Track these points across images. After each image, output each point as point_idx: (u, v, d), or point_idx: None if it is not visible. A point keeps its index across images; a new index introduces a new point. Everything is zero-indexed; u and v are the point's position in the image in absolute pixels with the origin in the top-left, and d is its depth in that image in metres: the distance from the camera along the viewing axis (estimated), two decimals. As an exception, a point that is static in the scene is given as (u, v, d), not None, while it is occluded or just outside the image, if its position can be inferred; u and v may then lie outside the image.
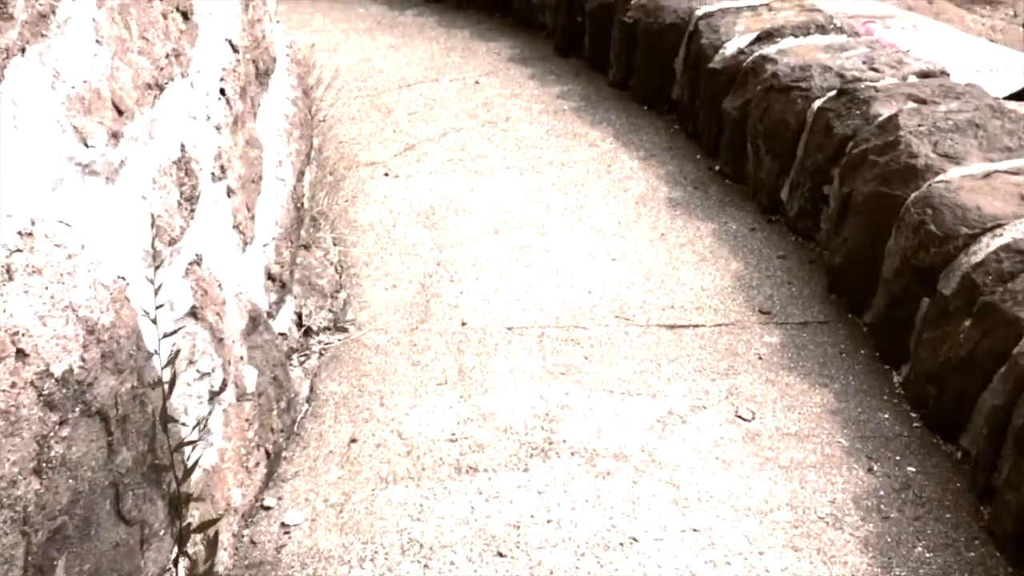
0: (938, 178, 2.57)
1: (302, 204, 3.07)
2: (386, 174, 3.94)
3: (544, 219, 3.55)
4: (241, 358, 2.25)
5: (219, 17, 2.25)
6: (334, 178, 3.89)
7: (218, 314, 2.05)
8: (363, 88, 4.80)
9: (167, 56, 1.83)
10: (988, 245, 2.36)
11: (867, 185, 2.76)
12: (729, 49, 3.74)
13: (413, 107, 4.56)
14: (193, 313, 1.94)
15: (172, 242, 1.81)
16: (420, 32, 5.50)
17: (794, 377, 2.68)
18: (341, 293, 3.12)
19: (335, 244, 3.40)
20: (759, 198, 3.50)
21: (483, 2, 5.60)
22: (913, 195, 2.58)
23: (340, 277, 3.21)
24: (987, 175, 2.53)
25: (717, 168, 3.81)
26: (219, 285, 2.10)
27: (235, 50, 2.33)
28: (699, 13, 3.99)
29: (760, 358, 2.77)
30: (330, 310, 2.99)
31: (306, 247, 3.21)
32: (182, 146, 1.88)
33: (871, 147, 2.80)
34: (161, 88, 1.79)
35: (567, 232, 3.46)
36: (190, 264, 1.94)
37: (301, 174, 3.02)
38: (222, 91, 2.22)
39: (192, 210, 1.91)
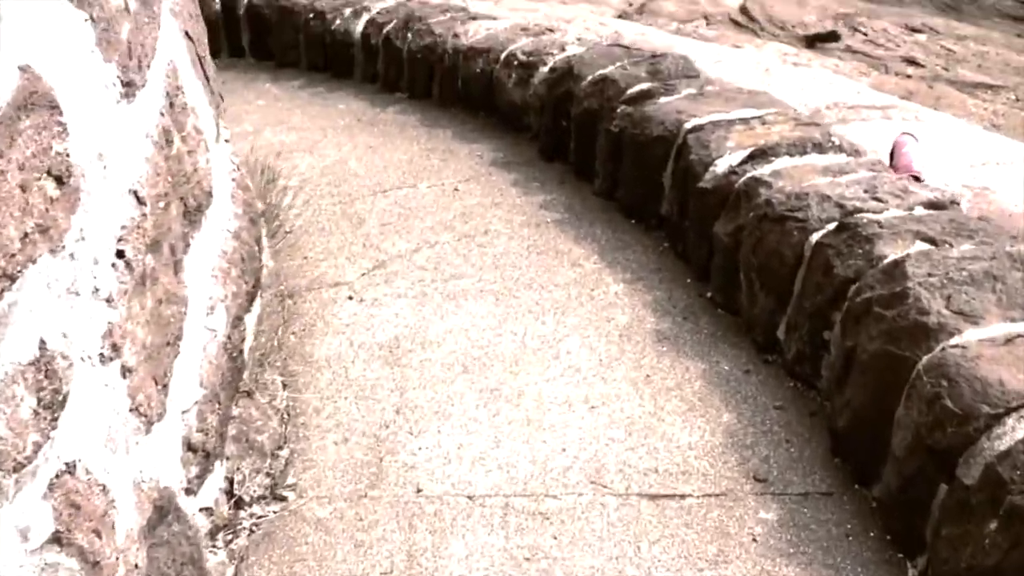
0: (953, 341, 2.23)
1: (240, 352, 2.74)
2: (350, 297, 3.62)
3: (518, 355, 3.22)
4: (136, 567, 1.89)
5: (121, 167, 1.95)
6: (293, 303, 3.57)
7: (96, 531, 1.70)
8: (336, 194, 4.52)
9: (26, 236, 1.52)
10: (1014, 429, 2.01)
11: (872, 342, 2.42)
12: (720, 167, 3.45)
13: (387, 217, 4.26)
14: (57, 539, 1.59)
15: (19, 467, 1.47)
16: (401, 131, 5.25)
17: (794, 567, 2.31)
18: (283, 450, 2.77)
19: (284, 387, 3.06)
20: (754, 334, 3.16)
21: (468, 101, 5.36)
22: (925, 359, 2.24)
23: (285, 429, 2.86)
24: (1009, 340, 2.19)
25: (709, 295, 3.49)
26: (103, 489, 1.76)
27: (142, 202, 2.03)
28: (687, 126, 3.70)
29: (755, 540, 2.40)
30: (268, 473, 2.64)
31: (248, 394, 2.87)
32: (42, 342, 1.56)
33: (876, 296, 2.48)
34: (13, 278, 1.48)
35: (543, 371, 3.12)
36: (56, 477, 1.60)
37: (238, 319, 2.70)
38: (121, 253, 1.91)
39: (55, 418, 1.57)
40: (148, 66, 2.16)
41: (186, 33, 2.69)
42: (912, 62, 11.35)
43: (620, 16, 11.93)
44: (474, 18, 5.58)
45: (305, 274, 3.80)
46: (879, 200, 2.91)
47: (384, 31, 5.72)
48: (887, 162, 3.63)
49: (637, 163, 3.91)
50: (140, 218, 2.02)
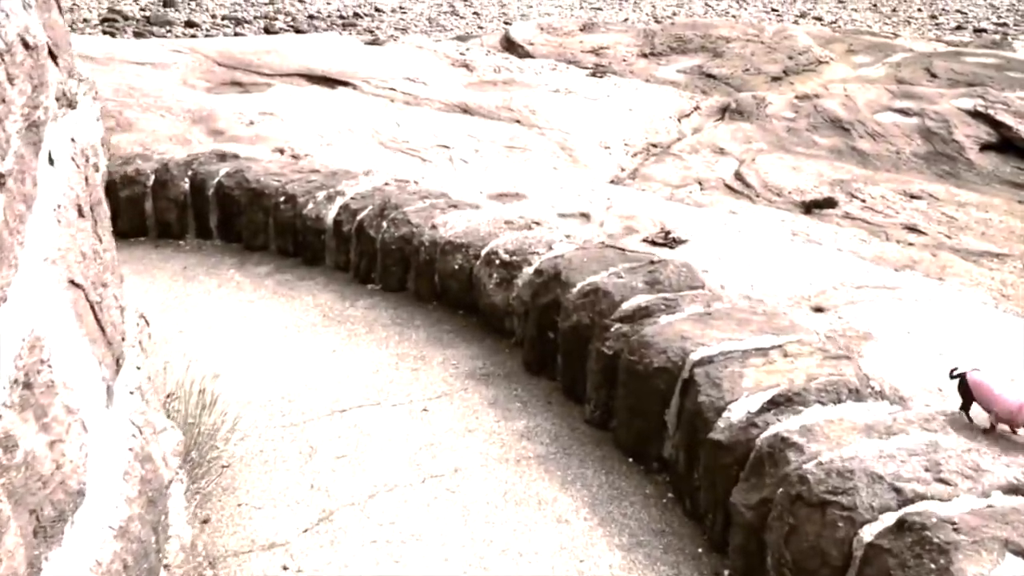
0: None
1: None
2: (285, 567, 2.94)
3: (487, 666, 2.52)
4: None
5: None
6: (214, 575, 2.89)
7: None
8: (287, 414, 3.89)
9: None
10: None
11: None
12: (736, 413, 2.84)
13: (342, 446, 3.62)
14: None
15: None
16: (369, 331, 4.67)
17: None
18: None
19: None
20: (788, 643, 2.47)
21: (446, 298, 4.81)
22: None
23: None
24: None
25: (727, 575, 2.81)
26: None
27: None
28: (695, 358, 3.12)
29: None
30: None
31: None
32: None
33: (967, 653, 1.82)
34: None
35: None
36: None
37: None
38: None
39: None
40: (-31, 360, 1.58)
41: (72, 282, 2.14)
42: (913, 229, 11.02)
43: (613, 181, 11.70)
44: (455, 206, 5.12)
45: (236, 530, 3.12)
46: (945, 482, 2.28)
47: (358, 218, 5.25)
48: (959, 405, 3.00)
49: (635, 395, 3.31)
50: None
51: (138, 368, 2.75)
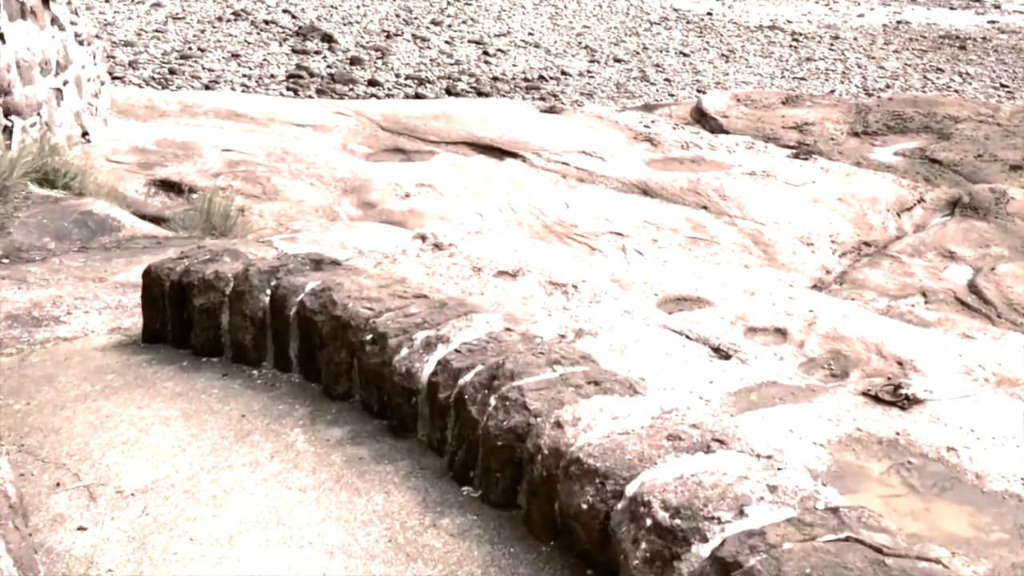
0: None
1: None
2: None
3: None
4: None
5: None
6: None
7: None
8: None
9: None
10: None
11: None
12: None
13: None
14: None
15: None
16: (449, 582, 2.95)
17: None
18: None
19: None
20: None
21: (569, 541, 3.02)
22: None
23: None
24: None
25: None
26: None
27: None
28: None
29: None
30: None
31: None
32: None
33: None
34: None
35: None
36: None
37: None
38: None
39: None
40: None
41: None
42: None
43: (816, 286, 9.55)
44: (597, 383, 3.33)
45: None
46: None
47: (459, 384, 3.56)
48: None
49: None
50: None
51: None
